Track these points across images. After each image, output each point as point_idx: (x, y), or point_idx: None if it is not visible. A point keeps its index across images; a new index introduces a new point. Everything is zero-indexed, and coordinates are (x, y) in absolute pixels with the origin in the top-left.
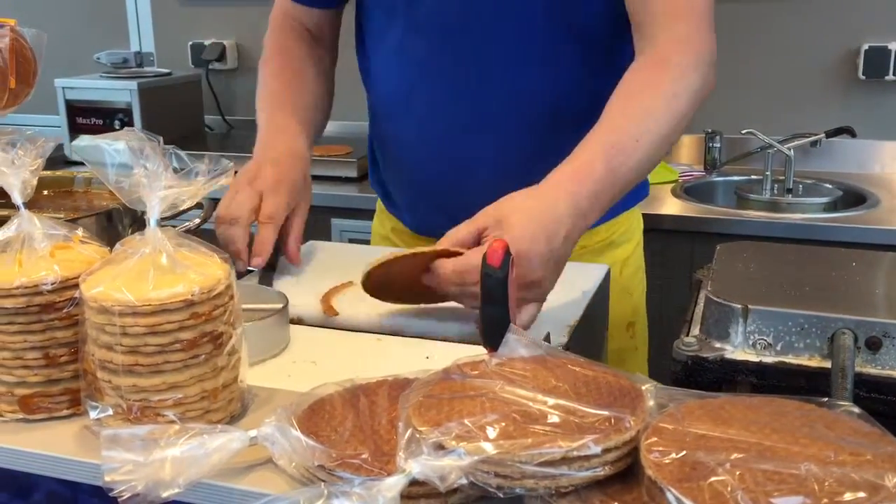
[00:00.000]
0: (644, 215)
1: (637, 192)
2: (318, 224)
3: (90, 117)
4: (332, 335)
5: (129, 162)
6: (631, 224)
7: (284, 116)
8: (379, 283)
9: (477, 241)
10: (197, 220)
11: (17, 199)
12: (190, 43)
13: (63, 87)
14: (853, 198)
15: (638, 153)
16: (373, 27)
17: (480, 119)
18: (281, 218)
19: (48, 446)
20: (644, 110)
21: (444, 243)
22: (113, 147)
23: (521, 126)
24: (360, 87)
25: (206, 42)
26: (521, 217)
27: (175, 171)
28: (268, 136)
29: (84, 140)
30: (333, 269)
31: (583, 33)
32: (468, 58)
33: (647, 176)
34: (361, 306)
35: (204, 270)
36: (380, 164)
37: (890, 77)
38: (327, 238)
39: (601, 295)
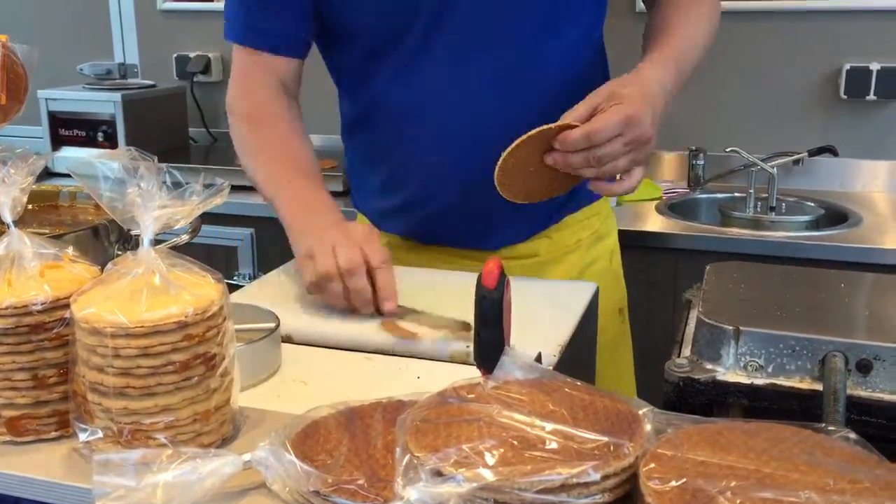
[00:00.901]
0: (628, 232)
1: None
2: None
3: (73, 129)
4: (322, 354)
5: (123, 180)
6: (609, 217)
7: (308, 182)
8: (511, 176)
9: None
10: (185, 237)
11: (7, 217)
12: (174, 55)
13: (46, 99)
14: (835, 216)
15: (692, 59)
16: (368, 55)
17: (495, 129)
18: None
19: (36, 470)
20: (695, 25)
21: (565, 119)
22: (107, 165)
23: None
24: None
25: (191, 54)
26: (630, 90)
27: (168, 187)
28: (312, 203)
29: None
30: None
31: (581, 21)
32: (485, 71)
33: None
34: (352, 325)
35: (198, 291)
36: (369, 181)
37: (871, 97)
38: None
39: (590, 313)
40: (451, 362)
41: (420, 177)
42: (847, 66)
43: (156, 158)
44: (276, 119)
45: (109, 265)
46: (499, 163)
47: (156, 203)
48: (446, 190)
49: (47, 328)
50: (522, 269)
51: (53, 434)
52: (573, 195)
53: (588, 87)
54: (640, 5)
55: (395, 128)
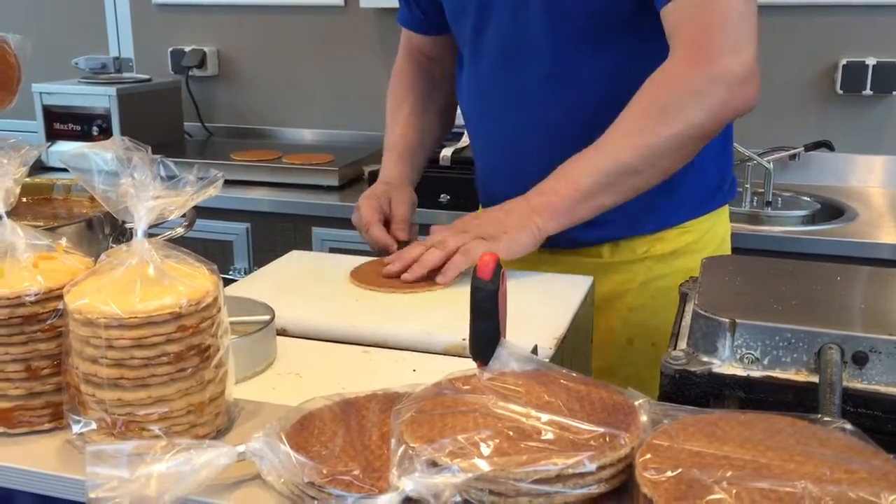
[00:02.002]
0: None
1: (708, 202)
2: (300, 233)
3: (68, 123)
4: (317, 346)
5: (116, 171)
6: (705, 234)
7: (396, 155)
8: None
9: None
10: (180, 230)
11: (0, 208)
12: (170, 49)
13: (41, 93)
14: (831, 211)
15: (638, 183)
16: (461, 49)
17: (535, 132)
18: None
19: (29, 461)
20: (646, 142)
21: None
22: (100, 156)
23: (577, 136)
24: (342, 97)
25: (187, 48)
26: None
27: (162, 179)
28: (384, 169)
29: (70, 148)
30: (315, 279)
31: (625, 30)
32: (520, 83)
33: (734, 180)
34: (348, 317)
35: (192, 282)
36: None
37: (867, 92)
38: (308, 247)
39: (587, 306)
40: (447, 355)
41: (482, 177)
42: (843, 61)
43: (149, 149)
44: (400, 88)
45: (103, 256)
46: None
47: (149, 194)
48: (501, 192)
49: (41, 319)
50: (583, 269)
51: (47, 426)
52: (656, 215)
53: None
54: None
55: (469, 129)
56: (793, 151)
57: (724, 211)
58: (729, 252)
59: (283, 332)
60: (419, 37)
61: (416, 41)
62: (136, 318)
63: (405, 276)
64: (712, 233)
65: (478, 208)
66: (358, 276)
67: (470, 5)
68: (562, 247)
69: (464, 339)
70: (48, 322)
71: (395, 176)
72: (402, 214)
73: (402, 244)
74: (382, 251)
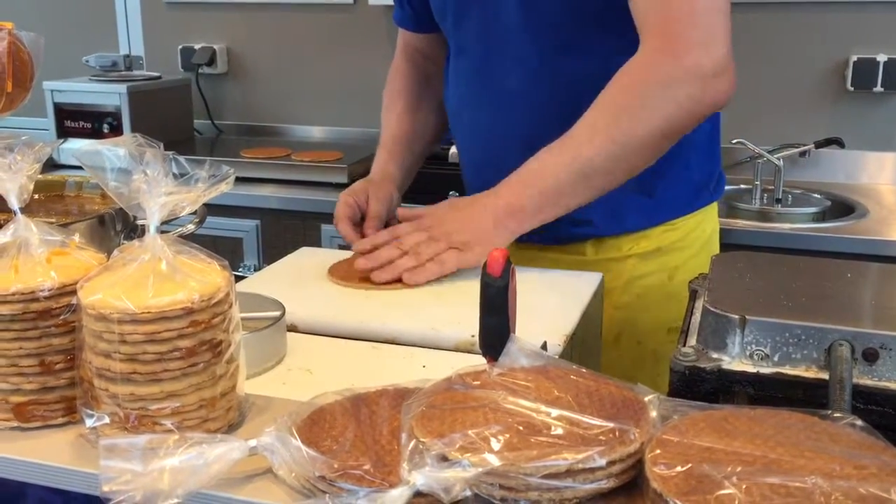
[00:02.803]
0: None
1: (695, 200)
2: (309, 230)
3: (79, 120)
4: (327, 343)
5: (128, 167)
6: (691, 232)
7: (384, 153)
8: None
9: None
10: (191, 226)
11: (14, 203)
12: (180, 47)
13: (52, 90)
14: (841, 208)
15: (594, 166)
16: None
17: (515, 129)
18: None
19: (43, 455)
20: (598, 125)
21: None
22: (113, 152)
23: (556, 135)
24: (351, 94)
25: (196, 46)
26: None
27: (175, 177)
28: (373, 165)
29: (82, 145)
30: (324, 275)
31: (601, 29)
32: (502, 83)
33: (722, 178)
34: (357, 314)
35: (203, 278)
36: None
37: (878, 89)
38: (317, 244)
39: (596, 303)
40: (456, 351)
41: (467, 173)
42: (854, 58)
43: (161, 145)
44: (395, 85)
45: (116, 252)
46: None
47: (161, 189)
48: (486, 188)
49: (54, 314)
50: (566, 267)
51: (60, 420)
52: (637, 216)
53: None
54: None
55: (452, 124)
56: (803, 148)
57: (712, 208)
58: (717, 250)
59: (292, 329)
60: (413, 35)
61: (410, 39)
62: (148, 313)
63: (375, 275)
64: (699, 230)
65: None
66: (334, 272)
67: (448, 8)
68: (545, 243)
69: (473, 336)
70: (62, 317)
71: (377, 173)
72: (375, 211)
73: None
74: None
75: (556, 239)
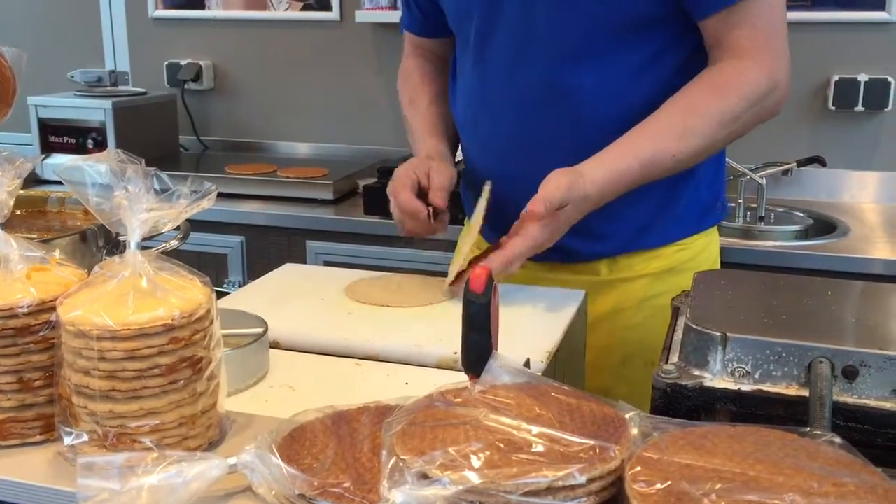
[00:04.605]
0: None
1: (704, 218)
2: (294, 246)
3: (63, 136)
4: (310, 360)
5: (110, 184)
6: (700, 253)
7: (431, 138)
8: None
9: None
10: (174, 242)
11: None
12: (166, 62)
13: (36, 105)
14: (824, 226)
15: (672, 165)
16: (458, 54)
17: (536, 145)
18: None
19: (21, 473)
20: (692, 129)
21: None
22: (94, 168)
23: (578, 148)
24: (337, 111)
25: (182, 62)
26: (564, 216)
27: (156, 192)
28: (419, 146)
29: (65, 160)
30: (308, 292)
31: (629, 48)
32: (525, 90)
33: (721, 205)
34: (340, 331)
35: (184, 294)
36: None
37: (859, 108)
38: (302, 260)
39: (579, 320)
40: (439, 368)
41: (476, 178)
42: (835, 78)
43: (143, 162)
44: (415, 80)
45: (96, 268)
46: (457, 270)
47: (143, 206)
48: (503, 200)
49: (33, 331)
50: (580, 287)
51: (38, 438)
52: (656, 231)
53: (631, 118)
54: None
55: (463, 132)
56: (786, 167)
57: (716, 230)
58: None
59: (275, 345)
60: (425, 39)
61: (423, 43)
62: (128, 329)
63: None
64: (708, 251)
65: None
66: (354, 293)
67: (474, 10)
68: (561, 261)
69: (455, 353)
70: (41, 334)
71: (431, 148)
72: (439, 183)
73: (437, 214)
74: (408, 218)
75: (572, 255)
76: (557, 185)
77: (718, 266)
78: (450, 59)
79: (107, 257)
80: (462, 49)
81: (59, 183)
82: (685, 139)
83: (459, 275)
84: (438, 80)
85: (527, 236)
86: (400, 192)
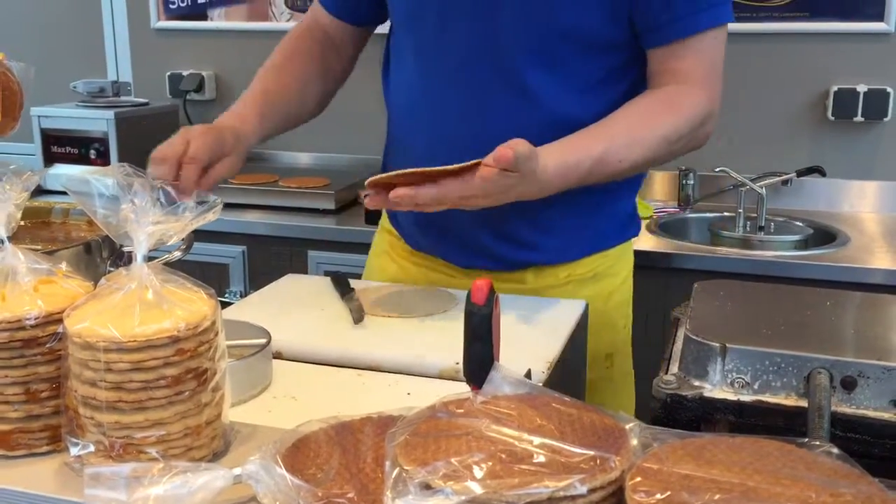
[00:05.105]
0: None
1: (626, 230)
2: (295, 256)
3: (66, 146)
4: (312, 370)
5: (117, 196)
6: (619, 259)
7: (246, 106)
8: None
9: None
10: (177, 253)
11: (2, 232)
12: (168, 73)
13: (39, 116)
14: (823, 236)
15: (613, 171)
16: (394, 49)
17: (480, 144)
18: (202, 160)
19: (28, 483)
20: (641, 140)
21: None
22: (101, 181)
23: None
24: (338, 121)
25: (185, 73)
26: (526, 180)
27: (162, 205)
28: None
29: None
30: (310, 302)
31: (590, 57)
32: (477, 87)
33: (640, 216)
34: (342, 341)
35: (190, 306)
36: None
37: (858, 118)
38: (304, 270)
39: (580, 330)
40: (441, 378)
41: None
42: (834, 88)
43: (150, 175)
44: (289, 46)
45: (103, 280)
46: (371, 180)
47: (149, 219)
48: None
49: (40, 343)
50: (504, 293)
51: (45, 448)
52: (579, 247)
53: (580, 126)
54: None
55: (399, 124)
56: (785, 177)
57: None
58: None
59: (278, 356)
60: (329, 18)
61: (324, 20)
62: (134, 341)
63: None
64: (625, 257)
65: None
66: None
67: (429, 8)
68: (488, 269)
69: (457, 363)
70: (48, 345)
71: (228, 116)
72: (213, 176)
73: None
74: (159, 161)
75: (501, 264)
76: (527, 147)
77: (631, 270)
78: (344, 49)
79: (111, 268)
80: (406, 46)
81: (61, 193)
82: (632, 148)
83: (377, 190)
84: (313, 58)
85: (467, 183)
86: (154, 158)
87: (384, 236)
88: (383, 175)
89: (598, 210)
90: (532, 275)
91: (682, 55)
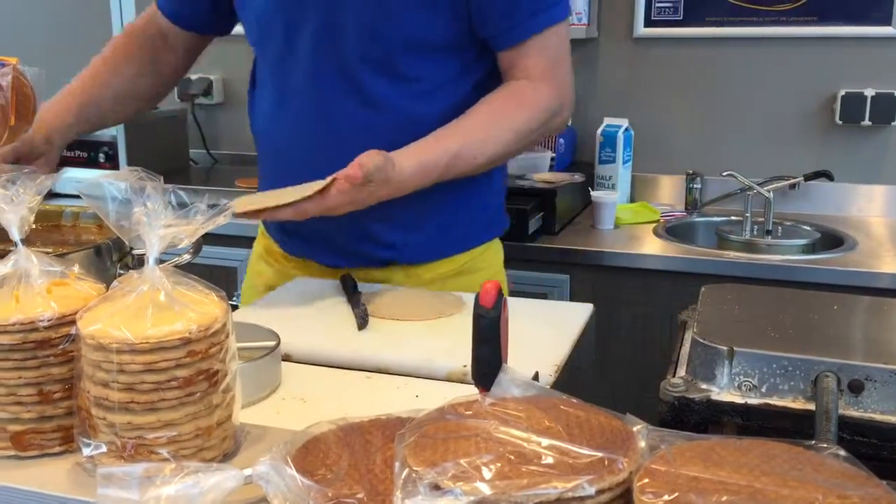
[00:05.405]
0: (626, 254)
1: (491, 229)
2: None
3: (74, 150)
4: (321, 372)
5: (129, 200)
6: (487, 255)
7: (64, 100)
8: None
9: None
10: (187, 256)
11: (16, 235)
12: None
13: None
14: (831, 240)
15: (470, 167)
16: (257, 69)
17: (334, 154)
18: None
19: (40, 483)
20: (495, 136)
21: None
22: (114, 185)
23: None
24: None
25: (193, 77)
26: (377, 189)
27: (173, 208)
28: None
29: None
30: (318, 305)
31: (435, 63)
32: (317, 99)
33: (505, 213)
34: (350, 344)
35: (201, 308)
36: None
37: (866, 122)
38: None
39: (587, 334)
40: (449, 381)
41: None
42: (842, 92)
43: (161, 179)
44: (117, 46)
45: (115, 283)
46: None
47: (161, 222)
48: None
49: (53, 344)
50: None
51: (57, 449)
52: (445, 246)
53: (430, 129)
54: (640, 30)
55: (261, 140)
56: (793, 181)
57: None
58: (504, 275)
59: (286, 358)
60: (167, 22)
61: (161, 23)
62: (147, 343)
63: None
64: (489, 252)
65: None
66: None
67: (275, 27)
68: (356, 266)
69: (465, 366)
70: (61, 347)
71: (43, 108)
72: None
73: None
74: None
75: (368, 262)
76: (378, 158)
77: (501, 264)
78: (175, 51)
79: (121, 271)
80: (260, 59)
81: (71, 196)
82: (486, 143)
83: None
84: (143, 54)
85: (326, 200)
86: None
87: (261, 240)
88: (247, 209)
89: (461, 210)
90: (399, 273)
91: (527, 54)
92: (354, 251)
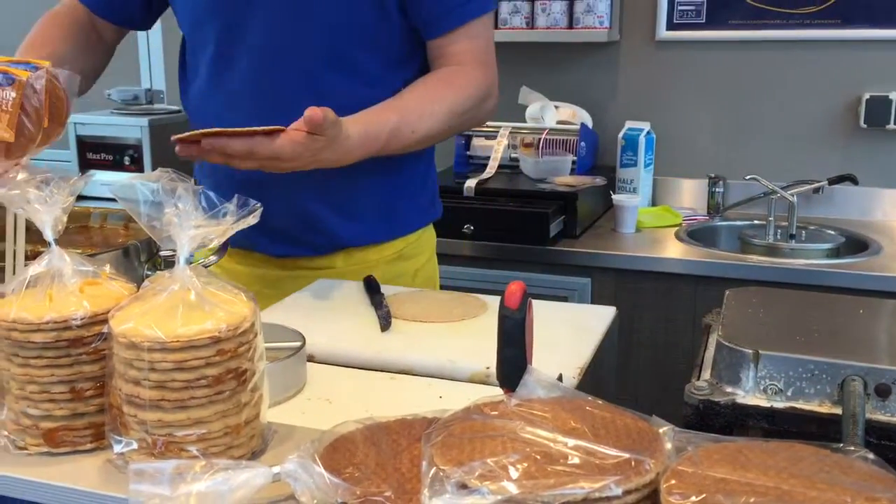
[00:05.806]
0: (648, 258)
1: (427, 214)
2: None
3: (101, 153)
4: (345, 373)
5: (161, 201)
6: (421, 240)
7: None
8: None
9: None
10: (213, 258)
11: (49, 235)
12: None
13: (74, 123)
14: (855, 244)
15: (408, 141)
16: (189, 57)
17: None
18: None
19: (73, 479)
20: (430, 113)
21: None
22: (147, 186)
23: None
24: None
25: None
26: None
27: (203, 209)
28: None
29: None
30: (341, 306)
31: (369, 50)
32: (276, 93)
33: (439, 200)
34: (374, 345)
35: (230, 308)
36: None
37: (891, 126)
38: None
39: (610, 336)
40: (472, 382)
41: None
42: (867, 96)
43: (192, 180)
44: (54, 30)
45: (146, 282)
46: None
47: (192, 223)
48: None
49: (86, 342)
50: (316, 278)
51: (89, 445)
52: (386, 231)
53: None
54: (662, 33)
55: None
56: (817, 185)
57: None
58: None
59: (311, 359)
60: (92, 14)
61: (84, 13)
62: (177, 341)
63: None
64: (425, 237)
65: (503, 240)
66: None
67: (216, 18)
68: (298, 255)
69: (488, 367)
70: (93, 345)
71: None
72: None
73: None
74: None
75: (311, 249)
76: (333, 113)
77: (434, 249)
78: (104, 38)
79: (149, 272)
80: (198, 50)
81: (97, 198)
82: (423, 119)
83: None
84: (77, 51)
85: (276, 144)
86: None
87: None
88: (191, 133)
89: (400, 196)
90: (341, 259)
91: (457, 41)
92: (299, 239)
